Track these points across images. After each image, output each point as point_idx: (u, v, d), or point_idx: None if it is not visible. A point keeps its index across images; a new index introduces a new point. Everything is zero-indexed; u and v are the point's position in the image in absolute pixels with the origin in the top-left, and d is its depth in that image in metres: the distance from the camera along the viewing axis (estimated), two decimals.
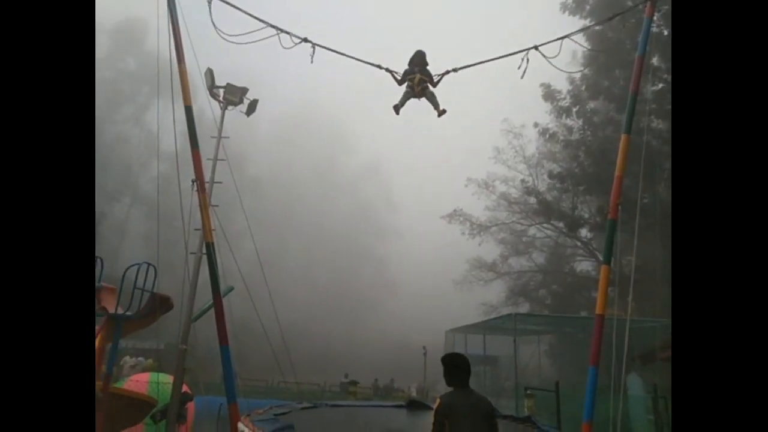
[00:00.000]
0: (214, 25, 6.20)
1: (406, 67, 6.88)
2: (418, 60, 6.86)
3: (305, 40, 6.66)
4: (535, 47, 6.73)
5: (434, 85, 6.89)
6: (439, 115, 6.94)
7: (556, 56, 6.71)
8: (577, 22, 24.77)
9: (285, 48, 6.51)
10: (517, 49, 6.81)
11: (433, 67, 6.98)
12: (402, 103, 6.85)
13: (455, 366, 3.65)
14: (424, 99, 6.91)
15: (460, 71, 6.96)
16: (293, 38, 6.59)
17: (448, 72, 6.89)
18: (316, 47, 6.71)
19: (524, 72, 6.79)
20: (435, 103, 6.90)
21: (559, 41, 6.79)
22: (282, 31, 6.53)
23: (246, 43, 6.37)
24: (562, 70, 7.63)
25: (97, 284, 6.88)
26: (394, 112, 6.85)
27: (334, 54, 6.89)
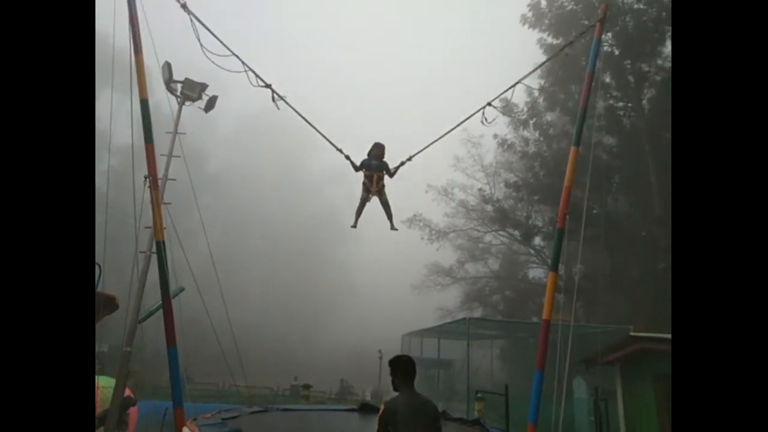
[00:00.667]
0: (201, 45, 5.97)
1: (365, 157, 6.92)
2: (377, 152, 6.87)
3: (268, 86, 6.44)
4: (489, 104, 6.91)
5: (391, 175, 6.95)
6: (392, 227, 7.17)
7: (508, 105, 6.92)
8: (536, 35, 25.81)
9: (252, 85, 6.33)
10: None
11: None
12: (358, 214, 7.02)
13: (400, 368, 3.66)
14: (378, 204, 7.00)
15: (412, 159, 7.06)
16: (259, 80, 6.37)
17: (403, 162, 6.96)
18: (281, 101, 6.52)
19: (483, 121, 6.98)
20: (389, 215, 7.05)
21: (512, 86, 7.01)
22: (249, 68, 6.27)
23: (216, 64, 6.15)
24: (515, 115, 7.93)
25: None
26: (352, 223, 7.05)
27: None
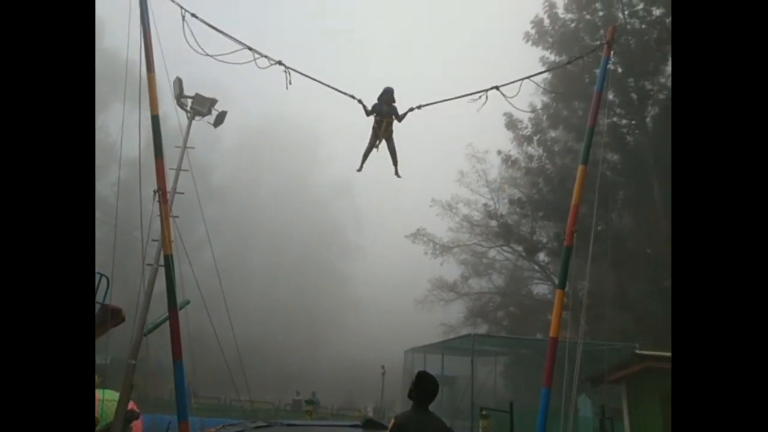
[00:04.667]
0: (192, 43, 6.15)
1: (375, 101, 7.07)
2: (386, 97, 7.04)
3: (279, 63, 6.72)
4: (496, 87, 7.00)
5: (400, 120, 7.11)
6: (396, 174, 7.29)
7: (515, 96, 6.99)
8: (540, 52, 26.11)
9: (260, 68, 6.55)
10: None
11: (402, 100, 7.25)
12: (365, 158, 7.16)
13: (424, 386, 3.67)
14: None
15: (424, 107, 7.19)
16: (269, 60, 6.63)
17: (412, 109, 7.12)
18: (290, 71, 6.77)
19: (482, 105, 7.11)
20: (395, 161, 7.17)
21: (520, 80, 7.10)
22: (258, 53, 6.54)
23: (223, 62, 6.33)
24: (521, 110, 8.01)
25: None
26: (358, 167, 7.22)
27: (306, 71, 6.94)
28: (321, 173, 49.19)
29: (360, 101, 7.00)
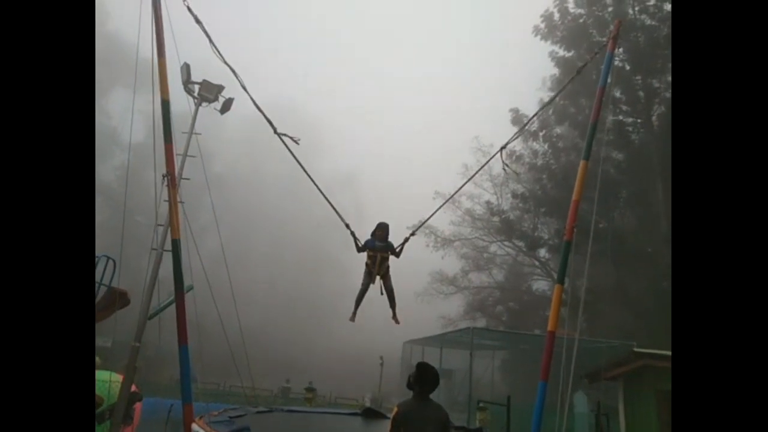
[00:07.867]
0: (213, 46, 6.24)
1: (368, 237, 6.61)
2: (381, 233, 6.58)
3: (283, 133, 6.92)
4: (501, 149, 7.20)
5: (397, 255, 6.68)
6: (393, 318, 6.76)
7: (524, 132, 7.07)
8: (548, 47, 26.02)
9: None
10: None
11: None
12: (357, 304, 6.58)
13: (426, 377, 3.78)
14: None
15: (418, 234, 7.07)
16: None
17: (407, 239, 6.79)
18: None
19: (504, 169, 7.26)
20: (392, 303, 6.66)
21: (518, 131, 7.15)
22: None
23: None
24: (517, 173, 8.01)
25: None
26: (350, 317, 6.58)
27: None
28: (322, 162, 49.22)
29: (353, 233, 6.47)
